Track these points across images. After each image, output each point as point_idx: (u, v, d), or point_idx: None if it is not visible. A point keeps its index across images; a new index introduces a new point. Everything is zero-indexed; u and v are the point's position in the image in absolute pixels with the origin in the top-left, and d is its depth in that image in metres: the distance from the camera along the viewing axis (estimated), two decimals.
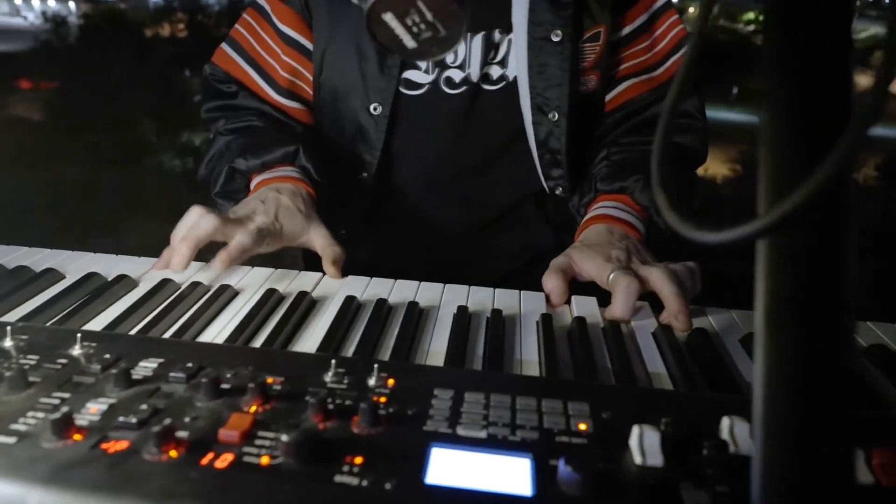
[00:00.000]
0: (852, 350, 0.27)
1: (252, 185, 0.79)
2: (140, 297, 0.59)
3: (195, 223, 0.65)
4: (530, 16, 0.78)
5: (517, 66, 0.81)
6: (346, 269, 0.72)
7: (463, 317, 0.60)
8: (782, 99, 0.25)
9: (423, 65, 0.82)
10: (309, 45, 0.85)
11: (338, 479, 0.35)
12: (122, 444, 0.36)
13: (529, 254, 0.94)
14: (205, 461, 0.35)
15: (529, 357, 0.55)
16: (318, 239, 0.73)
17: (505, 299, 0.66)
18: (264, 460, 0.36)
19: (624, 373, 0.53)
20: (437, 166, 0.89)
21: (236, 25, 0.89)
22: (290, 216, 0.72)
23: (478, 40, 0.80)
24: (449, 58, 0.82)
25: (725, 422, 0.40)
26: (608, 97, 0.89)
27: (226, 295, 0.61)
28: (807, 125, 0.24)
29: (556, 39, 0.78)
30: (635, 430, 0.39)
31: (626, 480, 0.36)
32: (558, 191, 0.88)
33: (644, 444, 0.38)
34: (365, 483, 0.34)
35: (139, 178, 4.05)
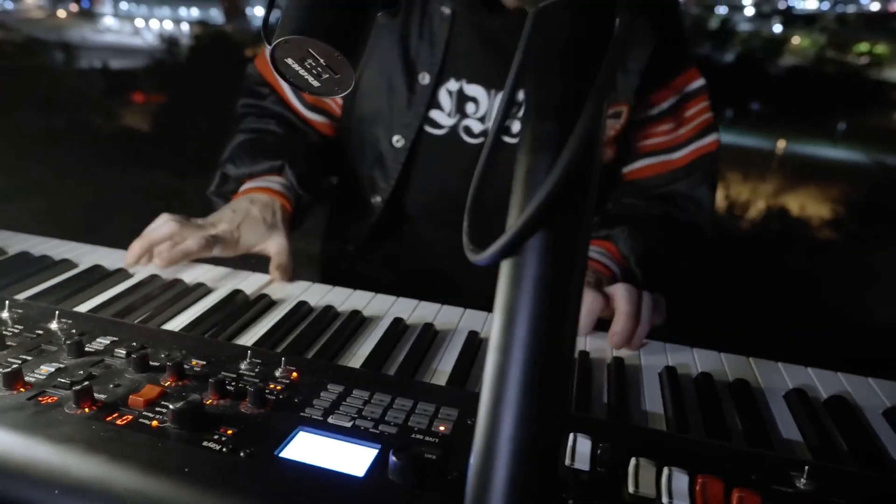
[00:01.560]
0: (570, 362, 0.31)
1: (241, 189, 0.87)
2: (128, 287, 0.69)
3: (156, 227, 0.76)
4: None
5: None
6: (354, 283, 0.77)
7: (396, 327, 0.66)
8: (534, 141, 0.30)
9: (446, 107, 0.87)
10: None
11: (205, 444, 0.42)
12: (53, 399, 0.45)
13: None
14: (109, 418, 0.43)
15: (445, 368, 0.60)
16: (274, 246, 0.79)
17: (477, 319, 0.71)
18: (154, 423, 0.43)
19: None
20: (447, 198, 0.93)
21: None
22: (252, 226, 0.79)
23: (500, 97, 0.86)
24: (469, 108, 0.87)
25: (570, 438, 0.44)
26: (626, 170, 0.93)
27: (199, 291, 0.70)
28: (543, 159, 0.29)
29: None
30: None
31: (453, 475, 0.41)
32: None
33: None
34: (225, 449, 0.41)
35: None
